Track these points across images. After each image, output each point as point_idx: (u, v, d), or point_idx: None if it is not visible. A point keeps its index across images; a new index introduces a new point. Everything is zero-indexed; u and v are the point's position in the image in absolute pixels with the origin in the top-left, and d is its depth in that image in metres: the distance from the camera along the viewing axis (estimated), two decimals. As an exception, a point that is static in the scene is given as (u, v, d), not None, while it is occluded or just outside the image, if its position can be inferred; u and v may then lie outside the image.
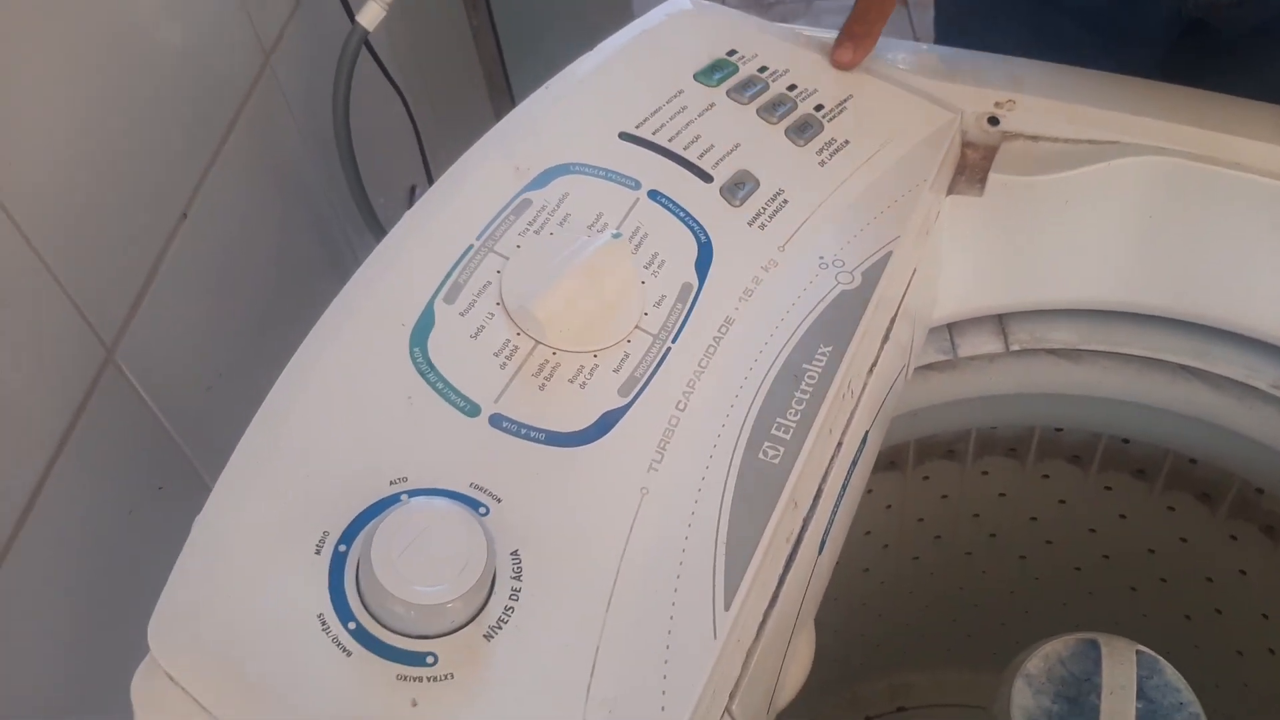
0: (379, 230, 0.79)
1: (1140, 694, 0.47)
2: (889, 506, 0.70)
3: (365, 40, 0.73)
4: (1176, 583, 0.69)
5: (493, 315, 0.40)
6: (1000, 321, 0.56)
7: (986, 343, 0.56)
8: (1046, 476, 0.68)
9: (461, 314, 0.40)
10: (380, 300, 0.40)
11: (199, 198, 0.59)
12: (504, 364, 0.39)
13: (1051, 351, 0.56)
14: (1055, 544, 0.73)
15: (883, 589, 0.77)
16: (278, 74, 0.71)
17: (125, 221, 0.53)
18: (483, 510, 0.34)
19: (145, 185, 0.55)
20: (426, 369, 0.38)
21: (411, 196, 0.95)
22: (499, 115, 0.47)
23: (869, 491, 0.69)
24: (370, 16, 0.70)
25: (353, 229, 0.81)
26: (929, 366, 0.56)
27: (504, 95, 1.34)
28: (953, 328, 0.56)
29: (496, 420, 0.37)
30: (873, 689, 0.89)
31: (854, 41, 0.52)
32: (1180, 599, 0.70)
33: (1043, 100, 0.51)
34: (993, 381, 0.58)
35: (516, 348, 0.39)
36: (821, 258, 0.45)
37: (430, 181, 0.93)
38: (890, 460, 0.67)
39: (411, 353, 0.38)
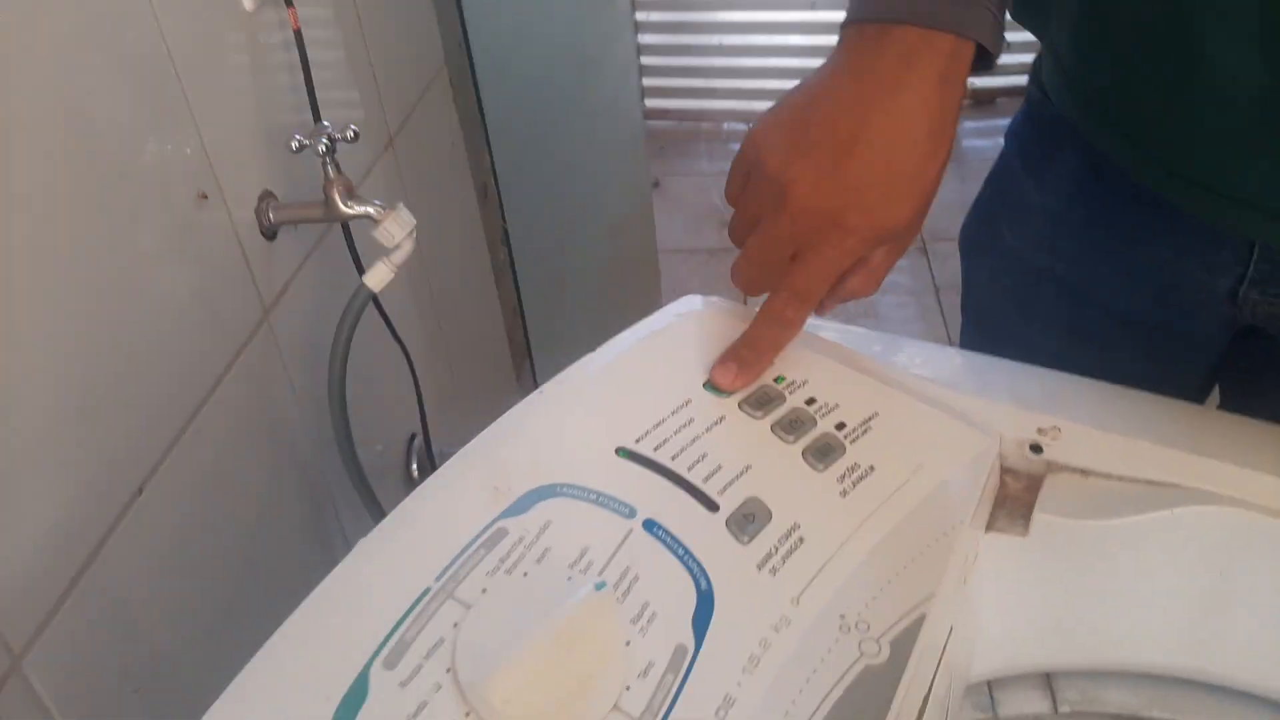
0: (371, 500, 0.74)
1: None
2: None
3: (373, 298, 0.70)
4: None
5: (439, 687, 0.33)
6: (1047, 678, 0.48)
7: (1031, 701, 0.48)
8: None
9: (402, 684, 0.33)
10: (307, 659, 0.33)
11: (162, 469, 0.54)
12: (447, 756, 0.32)
13: (1107, 715, 0.48)
14: None
15: None
16: (276, 329, 0.68)
17: (63, 499, 0.47)
18: None
19: (97, 456, 0.50)
20: (350, 761, 0.31)
21: (409, 447, 0.90)
22: (519, 375, 0.42)
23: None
24: (378, 278, 0.67)
25: (342, 501, 0.75)
26: (963, 722, 0.49)
27: (523, 356, 1.32)
28: (992, 683, 0.48)
29: (427, 843, 0.29)
30: None
31: (738, 364, 0.46)
32: None
33: (1091, 430, 0.46)
34: (1038, 741, 0.49)
35: (465, 733, 0.32)
36: (843, 617, 0.38)
37: (426, 436, 0.89)
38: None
39: (334, 738, 0.31)
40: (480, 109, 1.13)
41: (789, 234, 0.43)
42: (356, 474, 0.72)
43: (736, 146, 0.46)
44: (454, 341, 1.06)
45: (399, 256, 0.66)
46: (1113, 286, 0.59)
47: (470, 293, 1.20)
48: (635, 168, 1.60)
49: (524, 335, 1.34)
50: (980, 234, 0.69)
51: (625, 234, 1.59)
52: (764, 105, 0.46)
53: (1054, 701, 0.47)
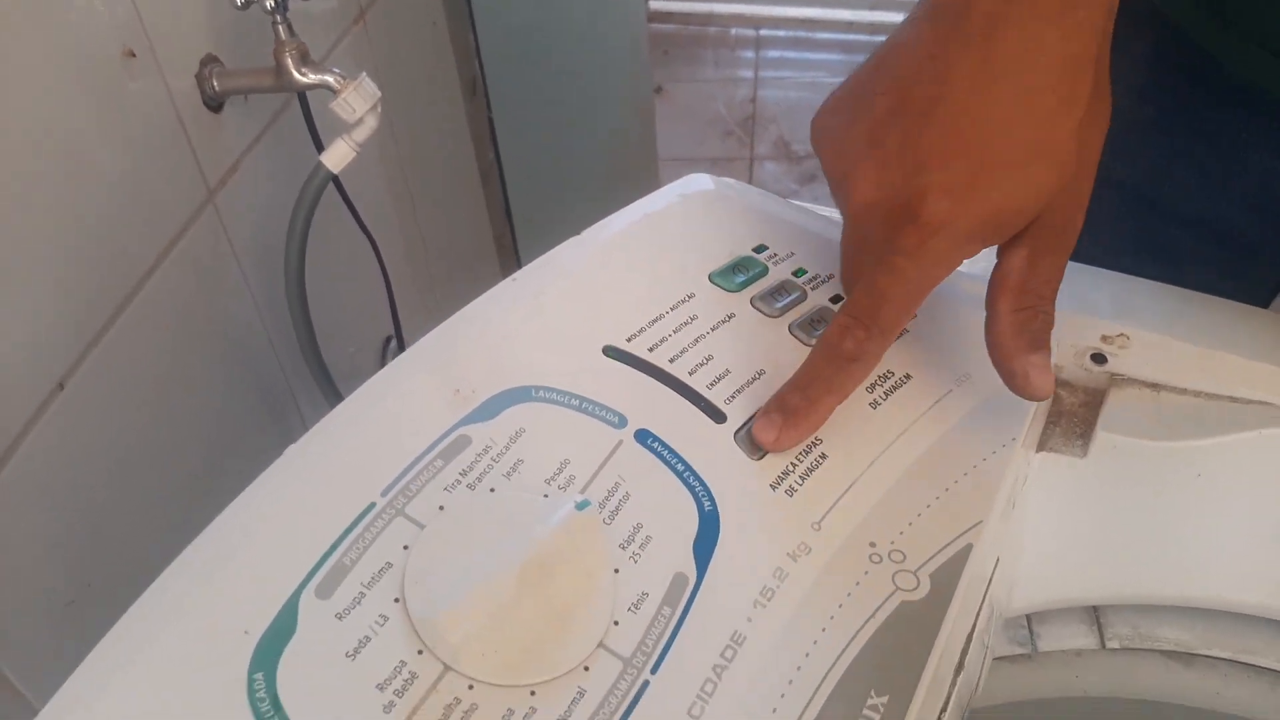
0: (333, 394, 0.67)
1: None
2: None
3: (334, 180, 0.62)
4: None
5: (385, 619, 0.27)
6: (1094, 611, 0.42)
7: (1076, 636, 0.42)
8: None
9: (339, 616, 0.27)
10: (221, 584, 0.27)
11: (87, 362, 0.47)
12: (391, 703, 0.25)
13: (1160, 651, 0.43)
14: None
15: None
16: (223, 213, 0.60)
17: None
18: None
19: (14, 343, 0.43)
20: (269, 709, 0.25)
21: (385, 350, 0.83)
22: (503, 267, 0.35)
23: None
24: (336, 157, 0.59)
25: (305, 402, 0.68)
26: (998, 659, 0.43)
27: (512, 262, 1.25)
28: (1032, 616, 0.42)
29: (359, 819, 0.23)
30: None
31: (784, 415, 0.33)
32: None
33: (1166, 338, 0.39)
34: (1080, 681, 0.44)
35: (414, 676, 0.26)
36: (873, 545, 0.32)
37: (400, 338, 0.82)
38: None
39: (251, 680, 0.25)
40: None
41: (854, 244, 0.34)
42: (321, 375, 0.65)
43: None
44: (437, 245, 0.98)
45: (361, 133, 0.59)
46: (1193, 194, 0.51)
47: (455, 195, 1.12)
48: (637, 71, 1.51)
49: (512, 240, 1.27)
50: None
51: (624, 140, 1.51)
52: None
53: (1101, 636, 0.42)
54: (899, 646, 0.29)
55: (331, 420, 0.31)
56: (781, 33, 2.32)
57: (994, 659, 0.43)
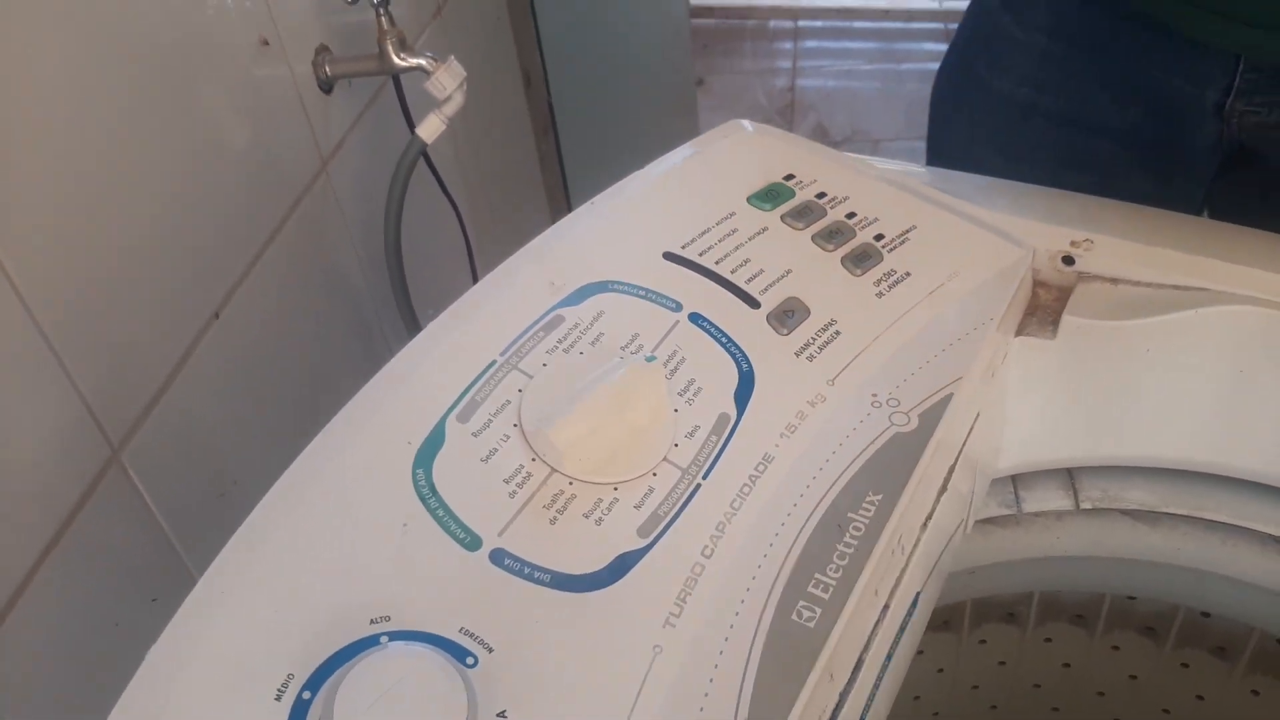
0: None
1: None
2: (940, 670, 0.64)
3: (424, 152, 0.72)
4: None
5: (508, 438, 0.37)
6: (1070, 476, 0.51)
7: (1054, 499, 0.51)
8: (1116, 648, 0.62)
9: (475, 434, 0.36)
10: (389, 414, 0.37)
11: (235, 298, 0.58)
12: (514, 492, 0.35)
13: (1126, 513, 0.51)
14: (1127, 725, 0.66)
15: (932, 762, 0.70)
16: (334, 180, 0.71)
17: (151, 316, 0.51)
18: (470, 661, 0.30)
19: (178, 281, 0.54)
20: (428, 494, 0.34)
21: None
22: None
23: (920, 653, 0.63)
24: (429, 129, 0.70)
25: (396, 342, 0.79)
26: (989, 521, 0.52)
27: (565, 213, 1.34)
28: (1017, 480, 0.51)
29: (498, 556, 0.33)
30: None
31: None
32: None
33: (1123, 241, 0.48)
34: (1060, 541, 0.52)
35: (530, 475, 0.36)
36: (875, 395, 0.41)
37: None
38: (944, 620, 0.61)
39: (414, 474, 0.35)
40: (531, -1, 1.15)
41: None
42: (410, 321, 0.75)
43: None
44: (500, 226, 1.08)
45: (450, 108, 0.69)
46: (1105, 108, 0.61)
47: (516, 178, 1.22)
48: (680, 65, 1.60)
49: (565, 199, 1.36)
50: (959, 81, 0.69)
51: (669, 130, 1.60)
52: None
53: (1076, 499, 0.50)
54: (893, 462, 0.38)
55: (462, 302, 0.41)
56: (818, 23, 2.40)
57: (985, 520, 0.52)
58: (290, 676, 0.29)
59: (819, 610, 0.33)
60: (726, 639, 0.32)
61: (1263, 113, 0.58)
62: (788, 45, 2.41)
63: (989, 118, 0.67)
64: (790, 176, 0.49)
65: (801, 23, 2.40)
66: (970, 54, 0.68)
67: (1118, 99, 0.61)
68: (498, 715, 0.29)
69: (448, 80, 0.67)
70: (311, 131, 0.68)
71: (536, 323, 0.41)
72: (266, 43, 0.62)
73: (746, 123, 0.52)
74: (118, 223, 0.49)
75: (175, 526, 0.51)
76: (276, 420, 0.61)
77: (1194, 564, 0.52)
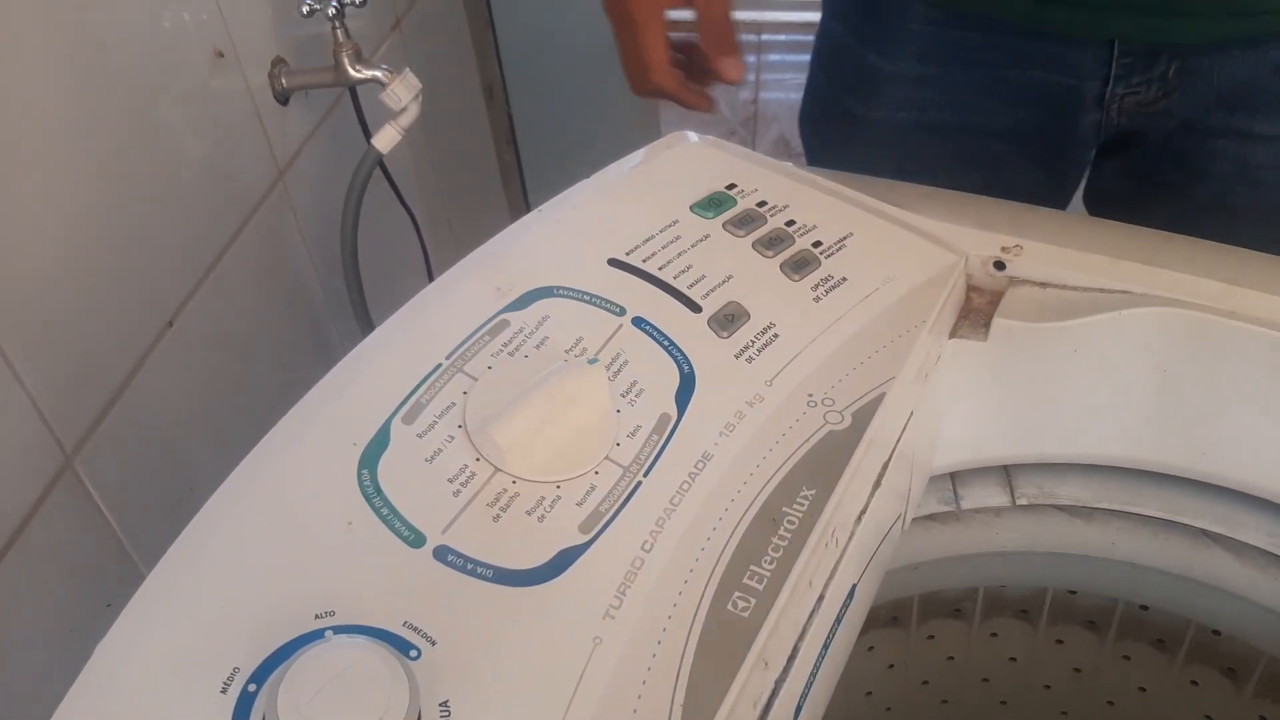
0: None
1: None
2: (891, 666, 0.65)
3: (380, 163, 0.73)
4: (1204, 768, 0.63)
5: (452, 439, 0.38)
6: (1007, 473, 0.52)
7: (992, 495, 0.52)
8: (1060, 642, 0.63)
9: (419, 435, 0.37)
10: (335, 416, 0.38)
11: (189, 306, 0.59)
12: (458, 491, 0.36)
13: (1062, 508, 0.53)
14: (1071, 715, 0.67)
15: (885, 757, 0.72)
16: (290, 190, 0.71)
17: (105, 323, 0.52)
18: (413, 654, 0.31)
19: (132, 289, 0.54)
20: (373, 493, 0.35)
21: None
22: None
23: (870, 649, 0.65)
24: (385, 140, 0.71)
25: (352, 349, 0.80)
26: (930, 518, 0.53)
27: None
28: (956, 478, 0.53)
29: (442, 553, 0.34)
30: None
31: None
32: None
33: (1051, 247, 0.49)
34: (999, 537, 0.54)
35: (473, 474, 0.37)
36: (810, 395, 0.42)
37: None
38: (893, 616, 0.63)
39: (359, 475, 0.36)
40: (489, 8, 1.16)
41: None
42: (366, 326, 0.76)
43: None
44: (461, 237, 1.09)
45: (406, 119, 0.70)
46: (990, 111, 0.64)
47: (477, 189, 1.23)
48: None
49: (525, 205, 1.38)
50: (829, 119, 0.71)
51: (631, 142, 1.61)
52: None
53: (1012, 495, 0.52)
54: (827, 458, 0.40)
55: (409, 308, 0.42)
56: (781, 37, 2.43)
57: (925, 517, 0.53)
58: (236, 670, 0.30)
59: (754, 600, 0.35)
60: (664, 629, 0.34)
61: (1141, 91, 0.61)
62: (750, 58, 2.44)
63: (872, 144, 0.69)
64: (732, 186, 0.51)
65: (765, 36, 2.43)
66: (835, 91, 0.70)
67: (1002, 101, 0.64)
68: (439, 705, 0.30)
69: (403, 92, 0.68)
70: (268, 142, 0.69)
71: (482, 327, 0.42)
72: (222, 54, 0.63)
73: (691, 133, 0.54)
74: (72, 232, 0.50)
75: (129, 533, 0.51)
76: (231, 427, 0.61)
77: (1129, 558, 0.54)
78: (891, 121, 0.67)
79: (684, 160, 0.52)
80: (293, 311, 0.72)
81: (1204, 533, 0.51)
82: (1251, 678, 0.58)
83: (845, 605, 0.41)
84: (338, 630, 0.31)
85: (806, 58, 0.73)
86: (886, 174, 0.64)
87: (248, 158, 0.67)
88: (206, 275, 0.61)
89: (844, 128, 0.69)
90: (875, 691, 0.67)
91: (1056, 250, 0.50)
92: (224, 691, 0.29)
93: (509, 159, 1.36)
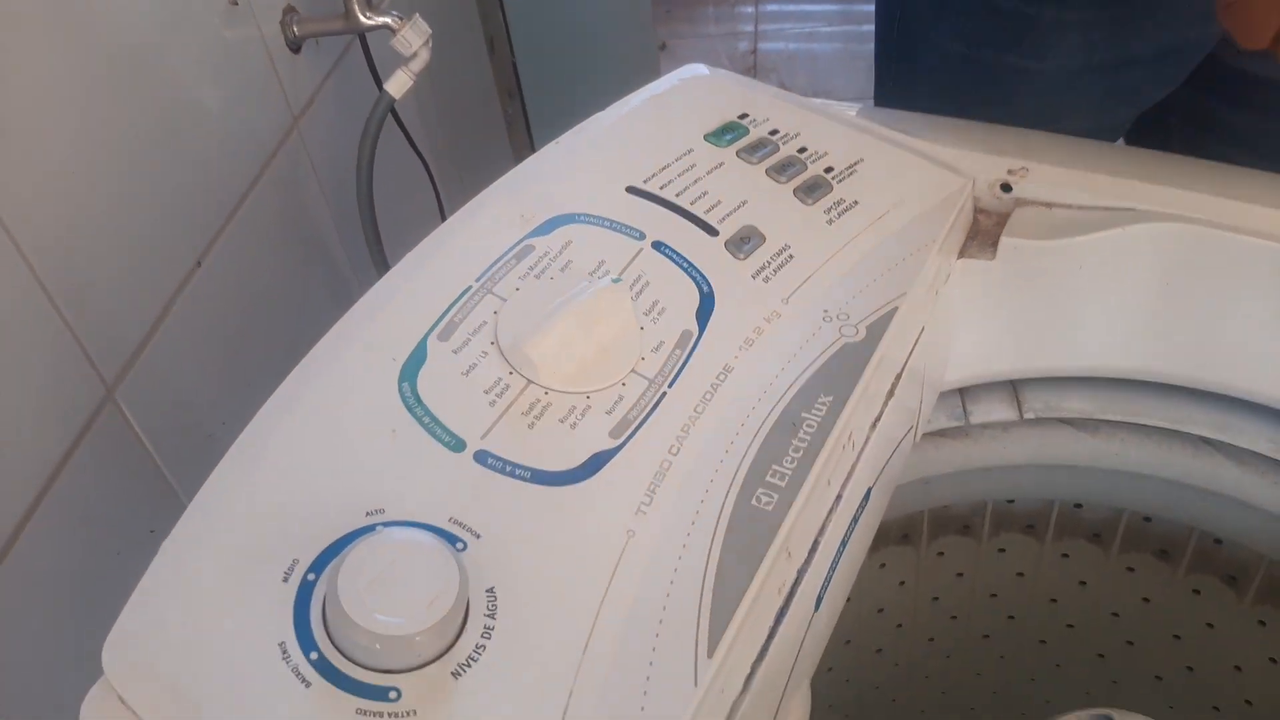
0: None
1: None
2: (902, 583, 0.68)
3: (392, 108, 0.74)
4: (1203, 670, 0.66)
5: (486, 354, 0.39)
6: (1014, 389, 0.54)
7: (1000, 410, 0.54)
8: (1066, 556, 0.66)
9: (455, 351, 0.39)
10: (373, 334, 0.39)
11: (215, 248, 0.60)
12: (493, 401, 0.38)
13: (1067, 421, 0.55)
14: (1077, 628, 0.70)
15: (897, 672, 0.74)
16: (305, 137, 0.73)
17: (138, 264, 0.53)
18: (460, 545, 0.33)
19: (161, 232, 0.56)
20: (414, 403, 0.37)
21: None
22: None
23: (882, 566, 0.67)
24: (397, 85, 0.72)
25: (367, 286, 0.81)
26: (940, 433, 0.55)
27: None
28: (965, 394, 0.54)
29: (481, 457, 0.36)
30: (888, 784, 0.85)
31: None
32: (1207, 688, 0.66)
33: (1057, 168, 0.51)
34: (1007, 451, 0.56)
35: (508, 386, 0.39)
36: (826, 311, 0.44)
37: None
38: (904, 534, 0.65)
39: (400, 387, 0.38)
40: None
41: None
42: (384, 270, 0.78)
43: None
44: (470, 188, 1.10)
45: (416, 65, 0.71)
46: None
47: (483, 141, 1.24)
48: (643, 29, 1.62)
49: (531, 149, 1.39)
50: (975, 78, 0.71)
51: (636, 88, 1.62)
52: None
53: (1020, 409, 0.54)
54: (843, 368, 0.42)
55: (436, 235, 0.44)
56: (781, -13, 2.42)
57: (935, 433, 0.55)
58: (295, 561, 0.32)
59: (776, 496, 0.37)
60: (693, 522, 0.36)
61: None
62: (749, 9, 2.43)
63: (1033, 95, 0.69)
64: (744, 115, 0.52)
65: (764, -13, 2.42)
66: (981, 51, 0.69)
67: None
68: (486, 591, 0.32)
69: (413, 37, 0.69)
70: (282, 90, 0.70)
71: (508, 251, 0.43)
72: (235, 3, 0.64)
73: (702, 66, 0.55)
74: (101, 177, 0.51)
75: (168, 463, 0.54)
76: (259, 366, 0.63)
77: (1133, 468, 0.56)
78: (1061, 69, 0.67)
79: (696, 92, 0.54)
80: (311, 255, 0.74)
81: (1205, 441, 0.53)
82: (1252, 583, 0.60)
83: (861, 507, 0.43)
84: (388, 526, 0.33)
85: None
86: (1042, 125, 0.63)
87: (263, 105, 0.68)
88: (229, 219, 0.62)
89: (994, 84, 0.69)
90: (887, 608, 0.69)
91: (1061, 171, 0.51)
92: (285, 580, 0.31)
93: (514, 111, 1.36)
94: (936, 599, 0.69)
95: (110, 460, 0.50)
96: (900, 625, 0.70)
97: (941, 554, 0.66)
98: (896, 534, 0.64)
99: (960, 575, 0.67)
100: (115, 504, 0.50)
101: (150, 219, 0.55)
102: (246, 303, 0.63)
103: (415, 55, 0.70)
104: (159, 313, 0.54)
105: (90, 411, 0.48)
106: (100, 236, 0.51)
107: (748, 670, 0.34)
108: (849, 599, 0.67)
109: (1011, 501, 0.63)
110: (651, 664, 0.32)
